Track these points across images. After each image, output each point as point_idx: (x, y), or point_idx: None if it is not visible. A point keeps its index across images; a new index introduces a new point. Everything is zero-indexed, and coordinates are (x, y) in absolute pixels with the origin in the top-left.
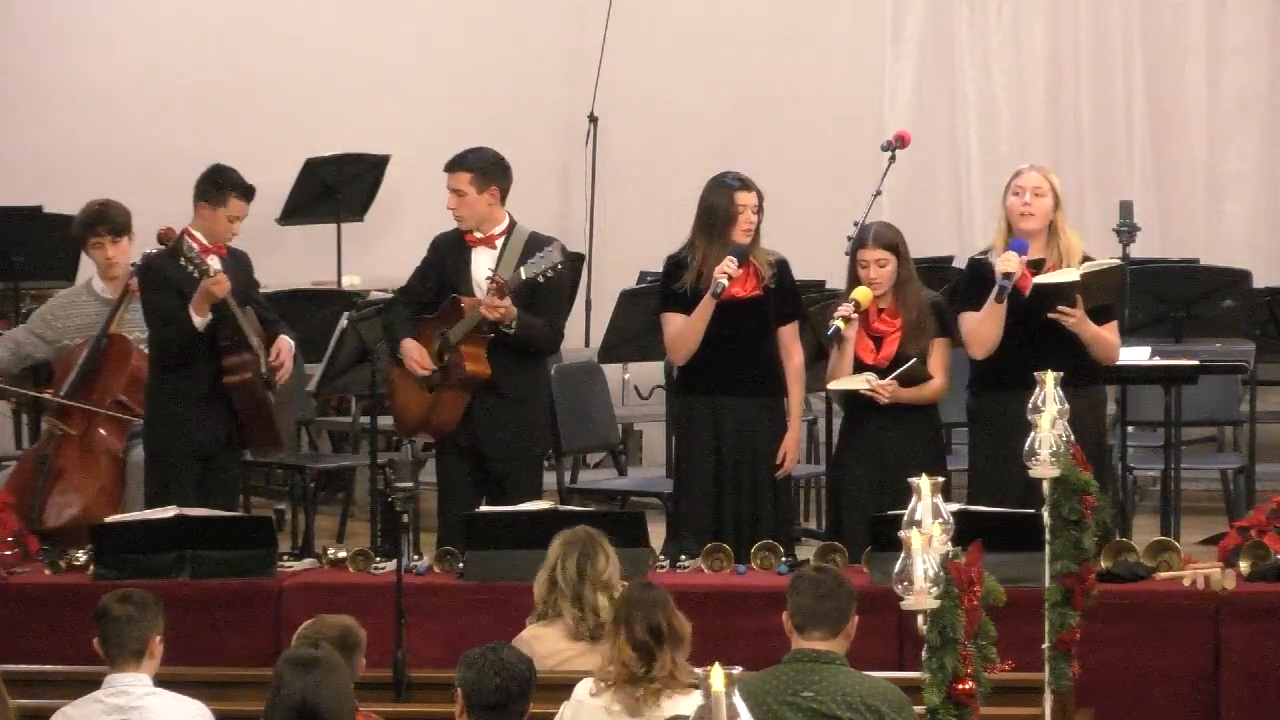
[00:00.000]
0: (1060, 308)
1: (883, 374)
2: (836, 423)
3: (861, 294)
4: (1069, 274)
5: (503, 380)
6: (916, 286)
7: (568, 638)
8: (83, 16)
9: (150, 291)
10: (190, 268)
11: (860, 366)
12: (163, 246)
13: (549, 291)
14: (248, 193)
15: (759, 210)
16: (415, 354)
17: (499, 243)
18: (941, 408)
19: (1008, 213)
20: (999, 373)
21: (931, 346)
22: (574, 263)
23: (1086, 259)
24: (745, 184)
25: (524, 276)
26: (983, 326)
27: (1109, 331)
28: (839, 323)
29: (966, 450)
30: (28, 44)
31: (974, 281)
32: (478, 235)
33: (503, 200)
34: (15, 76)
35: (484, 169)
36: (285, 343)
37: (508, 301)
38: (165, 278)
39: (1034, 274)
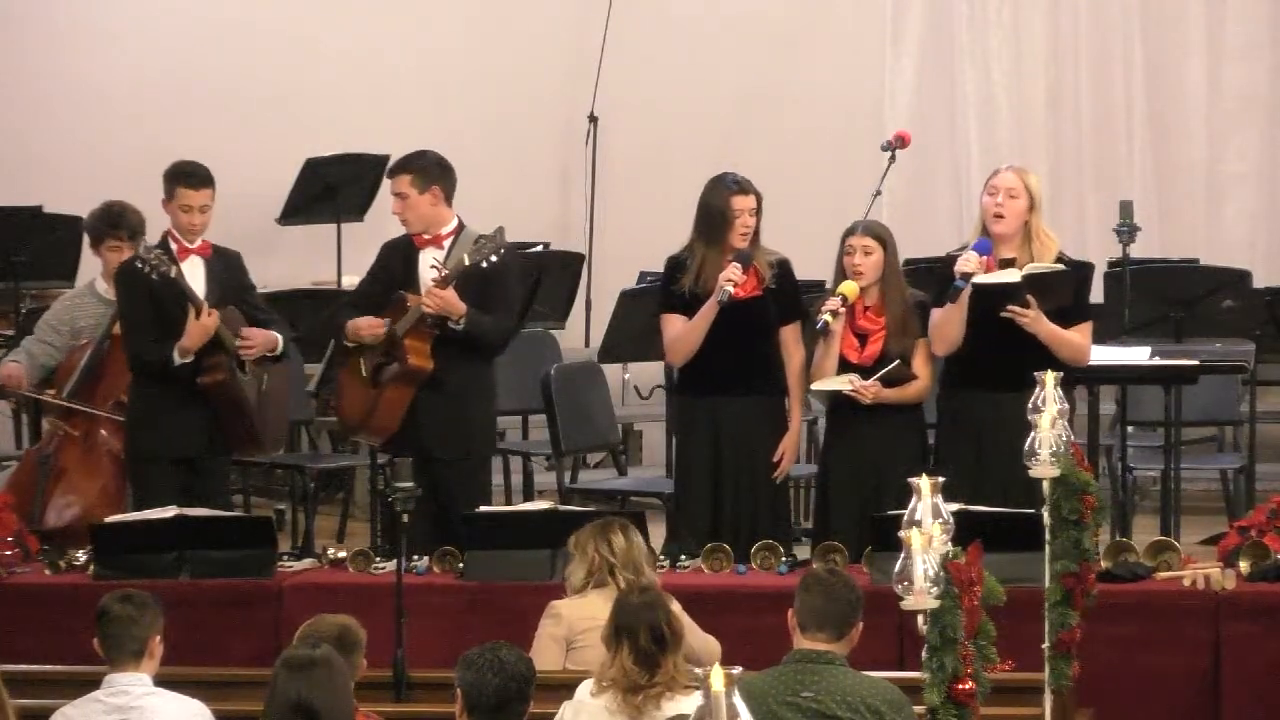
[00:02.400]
0: (1011, 307)
1: (866, 373)
2: None
3: (848, 288)
4: (1010, 274)
5: (445, 377)
6: (902, 285)
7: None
8: (83, 17)
9: (124, 297)
10: (146, 269)
11: (845, 365)
12: None
13: (499, 287)
14: (190, 178)
15: (757, 212)
16: (364, 322)
17: (446, 243)
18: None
19: (981, 212)
20: (963, 371)
21: (916, 346)
22: (548, 257)
23: (1061, 260)
24: (743, 187)
25: (466, 263)
26: (943, 324)
27: (1078, 334)
28: (827, 317)
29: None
30: (27, 44)
31: (946, 279)
32: (426, 237)
33: (448, 201)
34: (15, 76)
35: (424, 170)
36: (262, 333)
37: (450, 292)
38: (139, 284)
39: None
